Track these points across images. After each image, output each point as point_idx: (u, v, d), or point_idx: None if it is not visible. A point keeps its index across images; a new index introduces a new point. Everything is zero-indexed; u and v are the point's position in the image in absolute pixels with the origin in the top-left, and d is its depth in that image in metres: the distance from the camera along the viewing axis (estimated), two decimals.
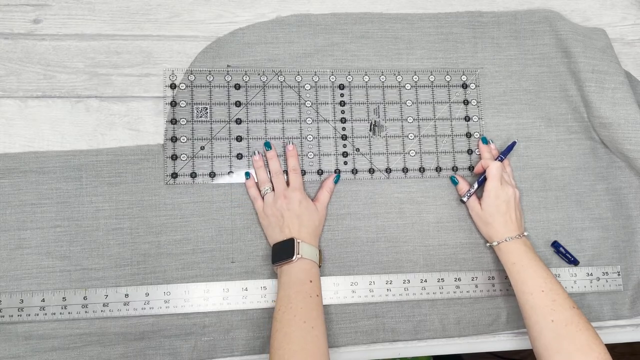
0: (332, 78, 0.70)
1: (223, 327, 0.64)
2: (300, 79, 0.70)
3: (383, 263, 0.67)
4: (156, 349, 0.63)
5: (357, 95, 0.71)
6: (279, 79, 0.69)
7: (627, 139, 0.69)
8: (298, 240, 0.61)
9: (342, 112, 0.70)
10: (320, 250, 0.64)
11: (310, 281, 0.60)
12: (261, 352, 0.64)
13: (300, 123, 0.69)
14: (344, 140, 0.69)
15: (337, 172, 0.68)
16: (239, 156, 0.67)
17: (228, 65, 0.67)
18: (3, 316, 0.62)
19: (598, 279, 0.70)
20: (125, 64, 0.68)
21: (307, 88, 0.70)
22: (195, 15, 0.71)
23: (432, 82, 0.72)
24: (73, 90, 0.67)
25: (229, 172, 0.67)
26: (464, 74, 0.72)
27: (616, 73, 0.71)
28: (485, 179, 0.67)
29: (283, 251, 0.62)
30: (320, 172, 0.68)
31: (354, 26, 0.73)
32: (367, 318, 0.66)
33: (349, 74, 0.71)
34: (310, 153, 0.69)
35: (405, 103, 0.71)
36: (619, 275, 0.70)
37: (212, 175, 0.67)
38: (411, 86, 0.71)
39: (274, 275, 0.66)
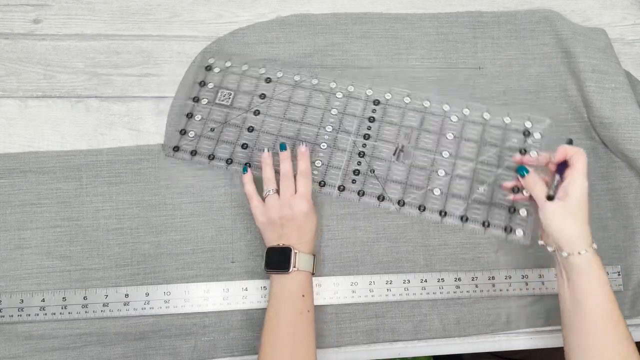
0: (369, 92, 0.67)
1: (223, 327, 0.64)
2: (335, 85, 0.68)
3: (383, 263, 0.67)
4: (156, 349, 0.63)
5: (392, 114, 0.67)
6: (312, 81, 0.68)
7: (627, 139, 0.69)
8: (295, 251, 0.58)
9: (369, 127, 0.66)
10: (314, 255, 0.61)
11: (303, 295, 0.58)
12: None
13: (319, 129, 0.66)
14: (360, 157, 0.65)
15: (340, 187, 0.63)
16: (244, 146, 0.66)
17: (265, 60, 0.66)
18: (3, 316, 0.62)
19: None
20: (125, 64, 0.69)
21: (339, 96, 0.67)
22: (195, 15, 0.71)
23: (486, 120, 0.66)
24: (73, 90, 0.67)
25: (227, 160, 0.66)
26: (528, 120, 0.65)
27: (616, 73, 0.71)
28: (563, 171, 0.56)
29: (278, 260, 0.58)
30: (322, 184, 0.65)
31: (354, 26, 0.73)
32: (367, 318, 0.66)
33: (389, 92, 0.67)
34: (318, 161, 0.65)
35: (445, 135, 0.65)
36: (619, 275, 0.70)
37: (212, 157, 0.65)
38: (459, 118, 0.66)
39: None
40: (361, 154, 0.65)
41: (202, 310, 0.64)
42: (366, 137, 0.66)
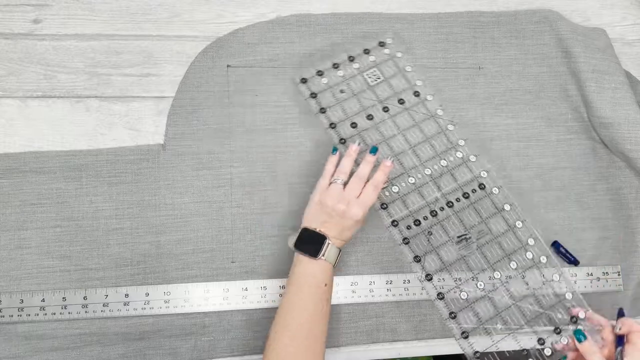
0: (484, 173, 0.66)
1: (223, 327, 0.64)
2: (462, 143, 0.66)
3: (383, 263, 0.67)
4: (156, 349, 0.63)
5: (483, 204, 0.65)
6: (449, 127, 0.67)
7: (627, 139, 0.69)
8: (329, 242, 0.58)
9: (457, 199, 0.64)
10: (340, 250, 0.60)
11: (325, 285, 0.58)
12: (261, 352, 0.64)
13: (420, 165, 0.65)
14: (432, 215, 0.63)
15: (394, 223, 0.63)
16: (353, 125, 0.66)
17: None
18: (3, 316, 0.62)
19: (598, 279, 0.70)
20: (125, 64, 0.69)
21: (458, 155, 0.66)
22: (195, 15, 0.71)
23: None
24: (73, 90, 0.67)
25: (331, 124, 0.66)
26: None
27: (616, 73, 0.71)
28: (621, 344, 0.56)
29: (310, 243, 0.58)
30: (384, 207, 0.63)
31: (354, 26, 0.73)
32: (367, 318, 0.66)
33: (496, 186, 0.65)
34: (396, 187, 0.64)
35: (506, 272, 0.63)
36: (619, 275, 0.70)
37: (323, 110, 0.66)
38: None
39: (274, 275, 0.66)
40: (433, 213, 0.64)
41: (202, 310, 0.64)
42: (450, 204, 0.64)
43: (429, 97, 0.68)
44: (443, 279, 0.63)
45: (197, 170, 0.67)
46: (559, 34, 0.74)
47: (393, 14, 0.74)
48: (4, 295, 0.62)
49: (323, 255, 0.58)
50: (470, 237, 0.63)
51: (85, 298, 0.63)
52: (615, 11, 0.78)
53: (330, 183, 0.60)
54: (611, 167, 0.73)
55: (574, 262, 0.70)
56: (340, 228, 0.59)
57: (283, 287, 0.65)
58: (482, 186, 0.66)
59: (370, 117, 0.67)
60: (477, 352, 0.59)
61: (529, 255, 0.64)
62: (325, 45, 0.71)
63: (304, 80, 0.68)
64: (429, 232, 0.63)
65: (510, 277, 0.62)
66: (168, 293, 0.64)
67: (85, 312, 0.62)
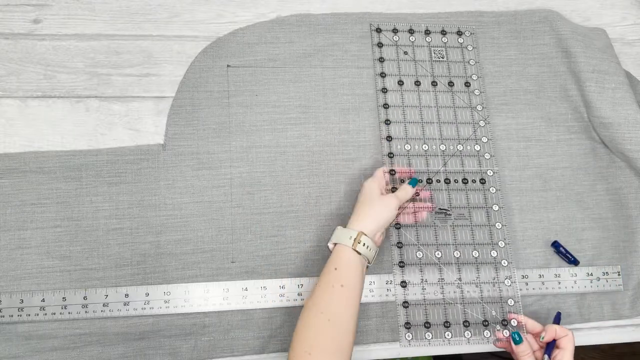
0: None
1: (223, 327, 0.64)
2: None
3: (383, 263, 0.67)
4: (156, 349, 0.63)
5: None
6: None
7: (627, 139, 0.69)
8: (338, 226, 0.61)
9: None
10: (363, 233, 0.59)
11: (335, 269, 0.58)
12: (261, 352, 0.64)
13: (456, 142, 0.69)
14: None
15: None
16: (400, 82, 0.71)
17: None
18: (3, 316, 0.62)
19: (598, 279, 0.70)
20: (125, 64, 0.69)
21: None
22: (195, 15, 0.71)
23: None
24: (73, 90, 0.67)
25: (381, 73, 0.71)
26: None
27: (616, 73, 0.71)
28: (551, 350, 0.59)
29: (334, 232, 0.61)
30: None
31: (354, 26, 0.73)
32: (367, 318, 0.66)
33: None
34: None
35: None
36: (619, 275, 0.70)
37: (381, 60, 0.72)
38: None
39: (274, 275, 0.66)
40: (429, 181, 0.68)
41: (202, 310, 0.64)
42: (447, 181, 0.68)
43: (477, 92, 0.72)
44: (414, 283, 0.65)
45: (197, 170, 0.67)
46: (559, 34, 0.74)
47: (393, 14, 0.74)
48: (4, 295, 0.62)
49: (331, 240, 0.60)
50: (450, 215, 0.67)
51: (85, 298, 0.63)
52: (615, 11, 0.78)
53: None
54: (611, 167, 0.73)
55: (574, 262, 0.70)
56: (354, 209, 0.62)
57: (283, 287, 0.65)
58: (482, 181, 0.69)
59: (417, 83, 0.71)
60: (405, 302, 0.64)
61: (494, 253, 0.66)
62: (325, 45, 0.71)
63: (378, 30, 0.72)
64: (417, 194, 0.66)
65: (467, 263, 0.66)
66: (168, 293, 0.64)
67: (85, 312, 0.62)
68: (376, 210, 0.61)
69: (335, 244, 0.60)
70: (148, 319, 0.63)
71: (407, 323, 0.63)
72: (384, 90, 0.71)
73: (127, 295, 0.63)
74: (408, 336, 0.63)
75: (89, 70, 0.68)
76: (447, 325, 0.64)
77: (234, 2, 0.72)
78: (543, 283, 0.68)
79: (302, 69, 0.71)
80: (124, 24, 0.69)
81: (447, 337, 0.63)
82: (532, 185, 0.71)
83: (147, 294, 0.64)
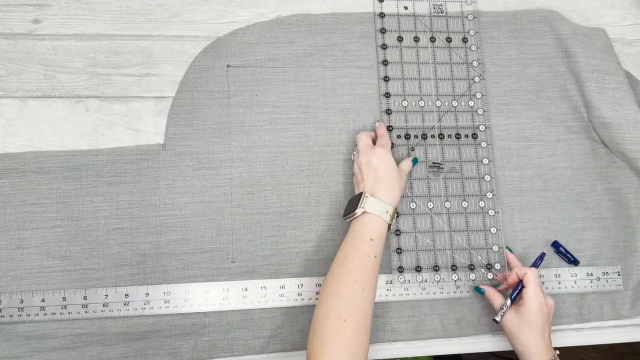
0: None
1: (223, 327, 0.64)
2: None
3: (383, 263, 0.67)
4: (156, 349, 0.63)
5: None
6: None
7: (627, 139, 0.69)
8: (366, 195, 0.60)
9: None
10: (395, 209, 0.61)
11: (371, 239, 0.58)
12: (261, 352, 0.64)
13: (451, 98, 0.72)
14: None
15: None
16: (400, 39, 0.73)
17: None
18: (3, 316, 0.62)
19: (598, 279, 0.70)
20: (125, 64, 0.69)
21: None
22: (195, 15, 0.71)
23: None
24: (73, 90, 0.67)
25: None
26: None
27: (616, 73, 0.71)
28: (519, 292, 0.62)
29: (351, 205, 0.61)
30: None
31: (354, 26, 0.73)
32: None
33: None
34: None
35: None
36: (619, 275, 0.70)
37: (382, 15, 0.74)
38: None
39: (274, 275, 0.66)
40: (424, 136, 0.70)
41: (202, 310, 0.64)
42: (441, 136, 0.71)
43: (473, 48, 0.74)
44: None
45: (197, 170, 0.67)
46: (559, 34, 0.74)
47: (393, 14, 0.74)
48: (4, 295, 0.62)
49: (362, 207, 0.59)
50: (442, 168, 0.70)
51: (85, 298, 0.63)
52: (615, 11, 0.78)
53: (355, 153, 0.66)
54: (611, 167, 0.73)
55: (574, 262, 0.70)
56: (372, 176, 0.61)
57: (283, 287, 0.65)
58: (474, 136, 0.71)
59: (416, 39, 0.73)
60: (399, 248, 0.67)
61: (482, 204, 0.69)
62: (325, 45, 0.71)
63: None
64: (412, 148, 0.70)
65: (457, 213, 0.69)
66: (168, 293, 0.64)
67: (85, 312, 0.62)
68: (400, 186, 0.63)
69: (364, 212, 0.59)
70: (148, 319, 0.63)
71: (400, 267, 0.67)
72: (384, 47, 0.72)
73: (127, 295, 0.63)
74: (400, 279, 0.66)
75: (89, 70, 0.68)
76: (436, 269, 0.67)
77: (234, 2, 0.72)
78: (543, 283, 0.68)
79: (302, 69, 0.71)
80: (124, 24, 0.69)
81: (435, 279, 0.67)
82: (532, 185, 0.71)
83: (147, 294, 0.64)
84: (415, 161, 0.68)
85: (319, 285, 0.65)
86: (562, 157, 0.73)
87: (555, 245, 0.70)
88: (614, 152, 0.73)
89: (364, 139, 0.65)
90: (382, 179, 0.61)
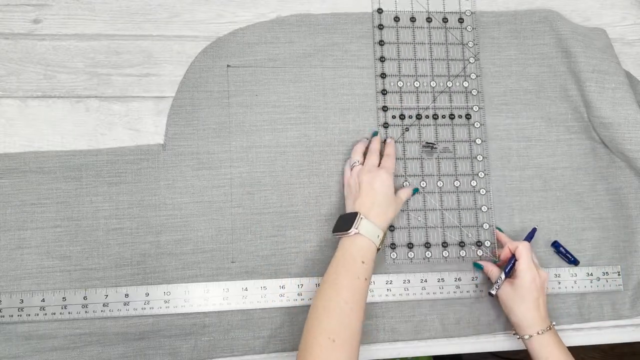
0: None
1: (223, 327, 0.64)
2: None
3: (379, 260, 0.67)
4: (156, 349, 0.63)
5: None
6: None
7: (627, 139, 0.69)
8: (361, 216, 0.60)
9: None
10: (385, 233, 0.62)
11: (362, 262, 0.59)
12: (261, 352, 0.64)
13: (446, 79, 0.72)
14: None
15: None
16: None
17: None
18: (3, 316, 0.62)
19: (598, 279, 0.70)
20: (125, 64, 0.69)
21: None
22: (195, 15, 0.71)
23: None
24: (73, 90, 0.67)
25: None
26: None
27: (616, 73, 0.71)
28: (512, 265, 0.63)
29: (344, 222, 0.61)
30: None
31: (354, 26, 0.73)
32: (367, 318, 0.66)
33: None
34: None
35: None
36: (619, 275, 0.70)
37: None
38: None
39: (274, 275, 0.66)
40: (419, 116, 0.71)
41: (202, 310, 0.64)
42: (435, 116, 0.71)
43: (469, 29, 0.74)
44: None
45: (197, 170, 0.67)
46: (559, 34, 0.74)
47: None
48: (4, 295, 0.62)
49: (356, 228, 0.59)
50: (436, 148, 0.71)
51: (85, 298, 0.63)
52: (615, 11, 0.78)
53: (351, 168, 0.65)
54: (611, 167, 0.73)
55: (574, 262, 0.70)
56: (370, 201, 0.61)
57: (283, 287, 0.65)
58: (468, 116, 0.72)
59: (413, 20, 0.73)
60: (392, 226, 0.68)
61: (473, 183, 0.70)
62: (325, 45, 0.71)
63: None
64: (406, 128, 0.70)
65: (449, 191, 0.70)
66: (168, 293, 0.64)
67: (85, 312, 0.62)
68: (393, 211, 0.63)
69: (357, 233, 0.59)
70: (148, 319, 0.63)
71: (393, 244, 0.68)
72: (380, 27, 0.72)
73: (127, 295, 0.63)
74: (393, 255, 0.68)
75: (89, 70, 0.68)
76: (427, 246, 0.68)
77: (234, 2, 0.72)
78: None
79: (302, 69, 0.71)
80: (124, 24, 0.69)
81: (427, 256, 0.68)
82: (532, 185, 0.71)
83: (147, 294, 0.64)
84: (415, 191, 0.69)
85: (319, 285, 0.65)
86: (562, 157, 0.73)
87: (555, 245, 0.70)
88: (614, 152, 0.73)
89: (373, 159, 0.65)
90: (379, 203, 0.61)
